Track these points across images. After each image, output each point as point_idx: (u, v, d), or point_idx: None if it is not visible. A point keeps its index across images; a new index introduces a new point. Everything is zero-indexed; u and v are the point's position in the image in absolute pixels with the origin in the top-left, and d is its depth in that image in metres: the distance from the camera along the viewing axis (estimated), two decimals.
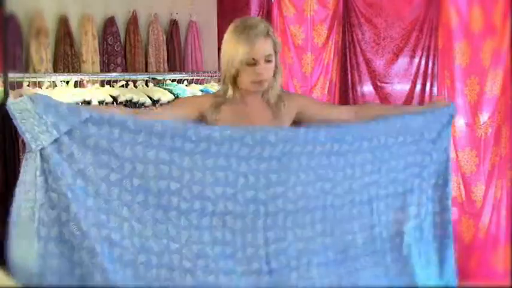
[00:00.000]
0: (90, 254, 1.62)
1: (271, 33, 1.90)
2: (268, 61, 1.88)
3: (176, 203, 1.74)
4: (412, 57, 3.51)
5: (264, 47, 1.86)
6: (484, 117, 3.14)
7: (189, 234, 1.76)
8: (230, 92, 1.93)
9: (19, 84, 3.00)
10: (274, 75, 1.94)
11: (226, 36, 1.92)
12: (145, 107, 3.16)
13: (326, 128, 1.91)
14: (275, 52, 1.91)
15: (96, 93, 3.08)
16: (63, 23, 3.54)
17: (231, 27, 1.92)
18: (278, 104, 1.99)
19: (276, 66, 1.93)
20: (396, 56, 3.58)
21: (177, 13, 4.08)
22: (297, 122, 2.05)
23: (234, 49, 1.86)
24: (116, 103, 3.09)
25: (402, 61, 3.56)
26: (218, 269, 1.78)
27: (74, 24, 3.60)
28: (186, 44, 4.11)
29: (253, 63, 1.85)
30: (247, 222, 1.82)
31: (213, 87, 3.59)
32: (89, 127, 1.64)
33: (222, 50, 1.93)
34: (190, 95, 3.26)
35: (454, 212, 3.32)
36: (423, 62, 3.47)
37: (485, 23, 3.11)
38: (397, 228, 2.07)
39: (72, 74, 3.40)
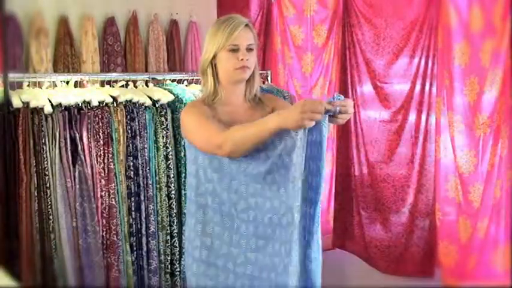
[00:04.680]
0: None
1: (251, 26, 2.00)
2: (250, 49, 1.96)
3: None
4: (412, 57, 3.51)
5: (246, 35, 1.94)
6: (484, 117, 3.14)
7: None
8: (211, 87, 1.98)
9: (19, 84, 3.01)
10: (254, 70, 2.00)
11: (209, 30, 2.00)
12: (146, 107, 3.17)
13: None
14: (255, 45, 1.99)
15: (96, 93, 3.09)
16: (63, 23, 3.55)
17: (213, 24, 2.01)
18: (260, 105, 2.06)
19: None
20: (396, 56, 3.58)
21: (177, 13, 4.08)
22: None
23: (217, 36, 1.94)
24: (116, 103, 3.09)
25: (402, 61, 3.56)
26: None
27: (74, 24, 3.61)
28: (186, 44, 4.12)
29: (236, 49, 1.93)
30: None
31: None
32: None
33: (205, 43, 2.01)
34: (194, 98, 3.24)
35: (451, 212, 3.33)
36: (423, 62, 3.47)
37: (485, 23, 3.10)
38: None
39: (72, 74, 3.41)
